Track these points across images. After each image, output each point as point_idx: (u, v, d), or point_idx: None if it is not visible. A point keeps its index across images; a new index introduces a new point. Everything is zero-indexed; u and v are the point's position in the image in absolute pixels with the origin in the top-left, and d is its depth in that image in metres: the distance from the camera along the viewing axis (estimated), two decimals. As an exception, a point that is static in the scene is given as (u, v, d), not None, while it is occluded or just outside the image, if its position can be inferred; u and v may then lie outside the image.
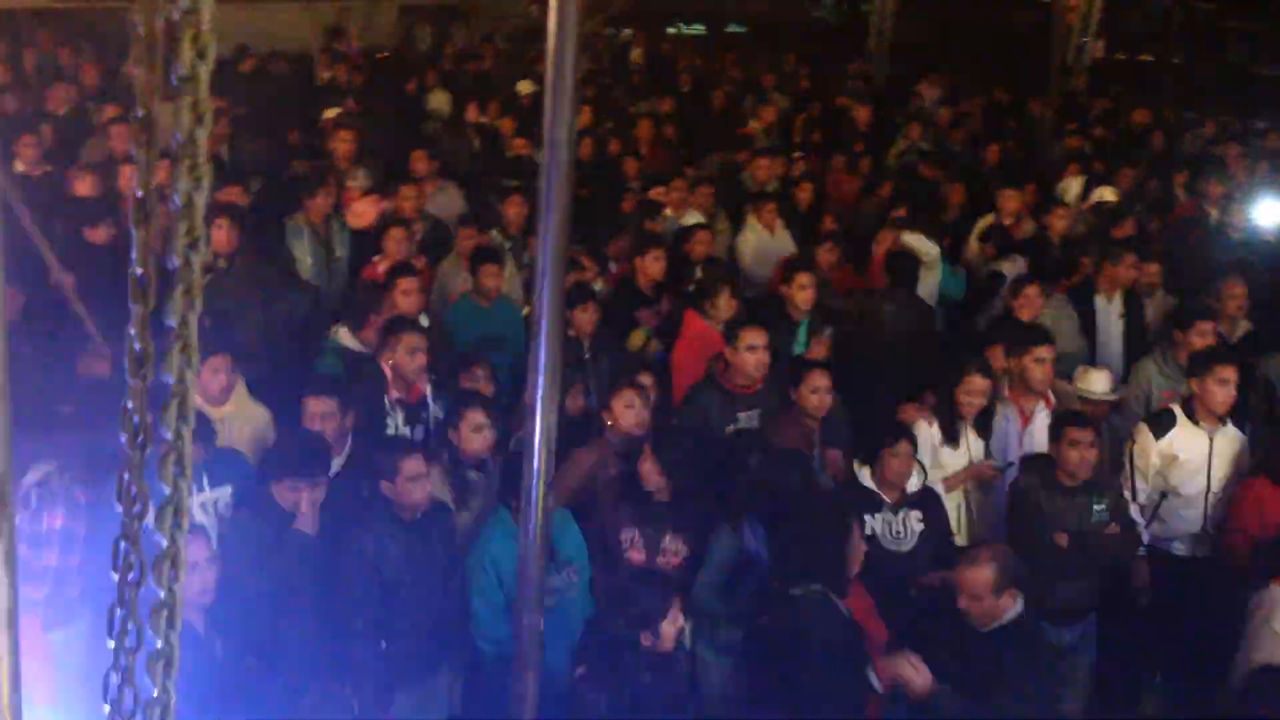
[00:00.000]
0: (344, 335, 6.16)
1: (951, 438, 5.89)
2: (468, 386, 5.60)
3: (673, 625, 4.10)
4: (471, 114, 11.10)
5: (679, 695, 4.31)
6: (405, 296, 6.38)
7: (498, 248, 7.33)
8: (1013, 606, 4.35)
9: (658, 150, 11.09)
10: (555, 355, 3.00)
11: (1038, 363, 6.02)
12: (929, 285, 8.15)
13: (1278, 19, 23.41)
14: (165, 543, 1.69)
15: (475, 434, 5.02)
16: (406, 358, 5.55)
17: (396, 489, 4.54)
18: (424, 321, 6.46)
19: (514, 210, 8.09)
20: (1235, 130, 13.43)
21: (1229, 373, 5.88)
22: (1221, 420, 5.92)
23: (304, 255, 7.71)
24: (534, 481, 3.09)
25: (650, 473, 5.01)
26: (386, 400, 5.60)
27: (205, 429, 4.74)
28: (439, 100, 12.79)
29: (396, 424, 5.57)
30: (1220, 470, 5.90)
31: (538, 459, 3.09)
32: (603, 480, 5.25)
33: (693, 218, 8.68)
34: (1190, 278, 7.99)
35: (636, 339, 7.21)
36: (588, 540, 5.03)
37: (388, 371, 5.64)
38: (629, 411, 5.47)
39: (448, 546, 4.74)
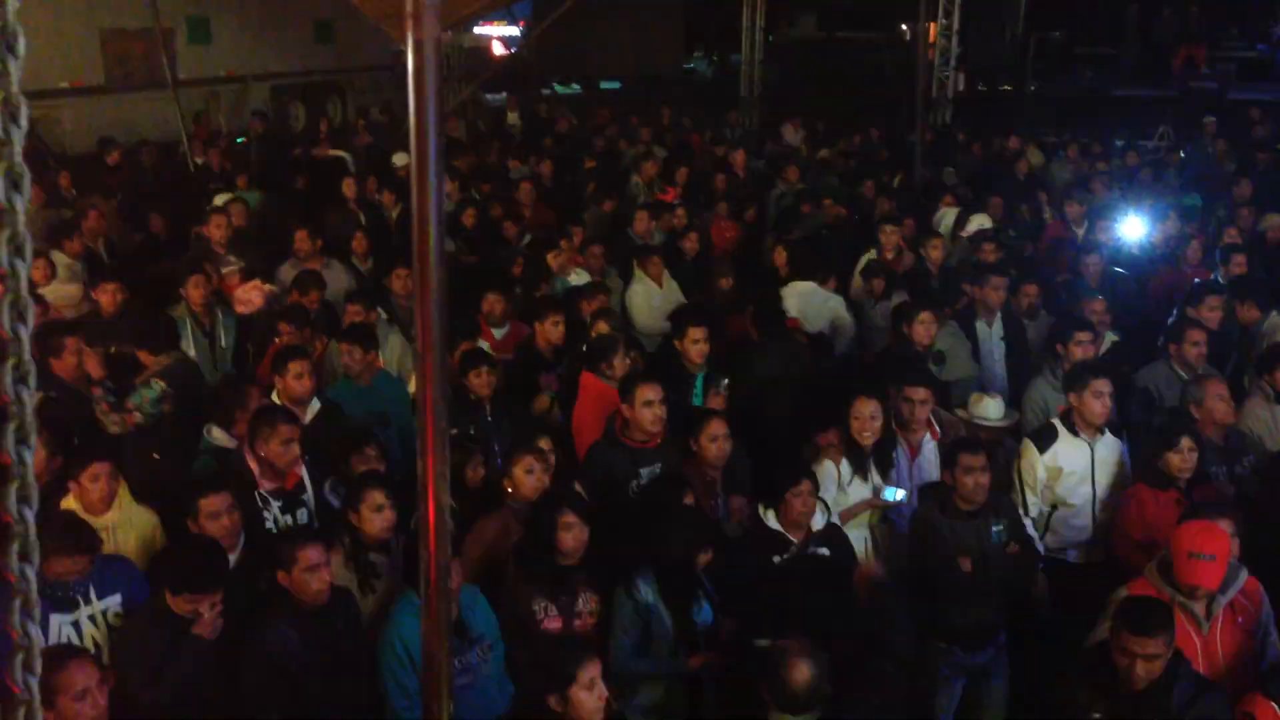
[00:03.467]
0: (216, 434, 5.99)
1: (860, 470, 5.97)
2: (361, 467, 5.50)
3: (589, 692, 4.01)
4: (348, 189, 11.01)
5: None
6: (298, 380, 6.26)
7: (368, 327, 7.21)
8: None
9: (540, 212, 11.14)
10: (441, 428, 2.95)
11: (916, 403, 6.15)
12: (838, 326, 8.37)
13: (1124, 42, 24.61)
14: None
15: (376, 514, 4.93)
16: (280, 448, 5.42)
17: (294, 580, 4.42)
18: (316, 404, 6.38)
19: (399, 284, 8.03)
20: (1095, 151, 14.00)
21: (1104, 385, 6.13)
22: (1100, 430, 6.15)
23: (188, 347, 7.55)
24: (431, 563, 3.02)
25: (568, 537, 4.95)
26: (257, 494, 5.45)
27: (90, 538, 4.57)
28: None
29: (274, 515, 5.43)
30: (1104, 478, 6.13)
31: (433, 539, 3.03)
32: (507, 549, 5.18)
33: (580, 277, 8.71)
34: (1066, 296, 8.29)
35: (541, 404, 7.19)
36: (499, 613, 4.96)
37: (253, 465, 5.49)
38: (529, 477, 5.44)
39: (353, 633, 4.63)
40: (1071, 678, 4.41)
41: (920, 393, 6.17)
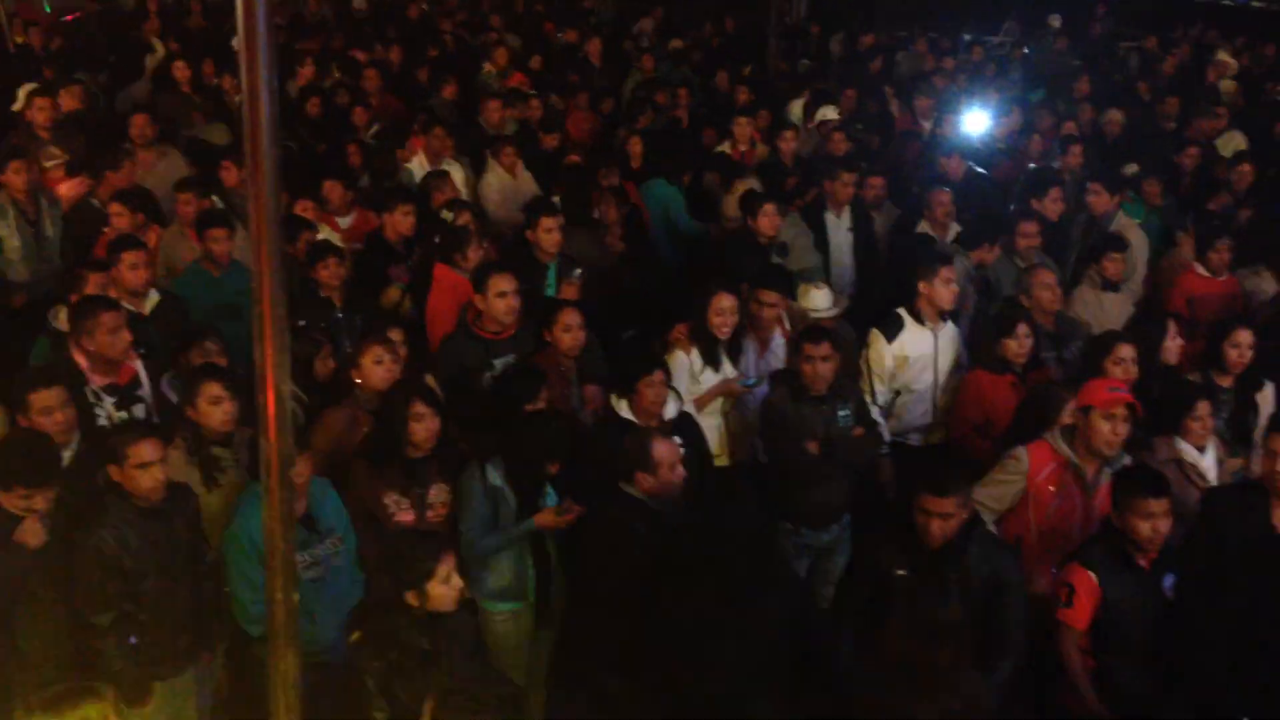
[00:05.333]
0: (62, 320, 5.72)
1: (712, 361, 6.05)
2: (199, 360, 5.30)
3: (445, 585, 4.01)
4: (180, 72, 10.40)
5: (465, 653, 4.21)
6: (133, 271, 6.00)
7: (223, 211, 6.96)
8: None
9: (389, 99, 10.78)
10: (278, 316, 2.86)
11: (766, 305, 6.24)
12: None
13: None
14: None
15: (214, 407, 4.76)
16: (107, 339, 5.19)
17: (126, 476, 4.27)
18: (155, 297, 6.14)
19: (229, 175, 7.71)
20: (944, 47, 14.20)
21: (950, 272, 6.37)
22: (943, 319, 6.36)
23: (10, 235, 7.14)
24: (272, 452, 2.95)
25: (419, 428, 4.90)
26: (88, 390, 5.22)
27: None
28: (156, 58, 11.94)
29: (107, 411, 5.23)
30: (944, 365, 6.38)
31: (273, 428, 2.95)
32: (355, 442, 5.11)
33: (426, 166, 8.51)
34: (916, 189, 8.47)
35: (391, 296, 7.04)
36: (350, 506, 4.90)
37: (81, 360, 5.25)
38: (378, 368, 5.34)
39: (194, 530, 4.52)
40: (879, 538, 4.66)
41: (771, 296, 6.27)
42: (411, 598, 3.96)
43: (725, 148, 9.51)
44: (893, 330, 6.32)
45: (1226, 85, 12.23)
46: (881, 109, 11.13)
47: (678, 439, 5.45)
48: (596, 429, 5.56)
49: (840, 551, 5.68)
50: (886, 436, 6.23)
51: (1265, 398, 5.99)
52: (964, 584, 4.43)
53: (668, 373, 5.53)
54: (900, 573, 4.47)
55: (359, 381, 5.39)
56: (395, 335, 5.79)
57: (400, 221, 7.22)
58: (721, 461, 6.13)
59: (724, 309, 6.02)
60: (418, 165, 8.70)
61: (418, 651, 3.86)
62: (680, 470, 4.77)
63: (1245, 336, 5.99)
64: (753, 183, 8.46)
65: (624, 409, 5.45)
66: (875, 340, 6.34)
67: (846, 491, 5.66)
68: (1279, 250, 7.58)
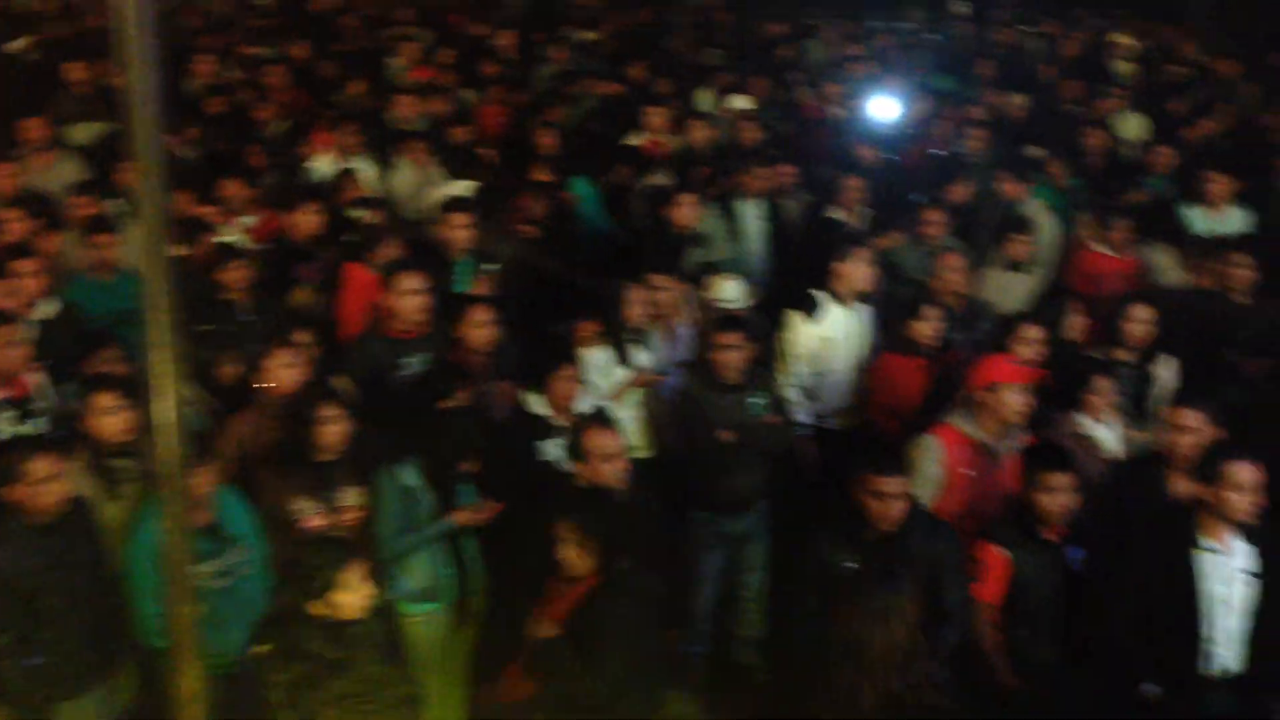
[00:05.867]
0: None
1: (624, 353, 6.07)
2: (98, 370, 5.17)
3: (352, 592, 3.93)
4: (76, 72, 10.09)
5: (376, 658, 4.14)
6: (28, 280, 5.85)
7: (109, 216, 6.76)
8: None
9: (294, 96, 10.58)
10: (166, 323, 2.79)
11: (659, 291, 6.26)
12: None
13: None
14: None
15: (108, 418, 4.64)
16: (3, 351, 5.07)
17: (25, 494, 4.14)
18: (53, 305, 5.97)
19: (130, 176, 7.50)
20: (852, 33, 14.32)
21: (866, 254, 6.50)
22: (859, 300, 6.43)
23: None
24: (166, 461, 2.88)
25: (328, 431, 4.81)
26: None
27: None
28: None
29: (5, 426, 5.08)
30: (861, 347, 6.47)
31: (166, 437, 2.88)
32: (262, 447, 5.02)
33: (334, 164, 8.38)
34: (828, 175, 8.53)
35: (300, 297, 6.92)
36: (260, 512, 4.81)
37: None
38: (285, 371, 5.26)
39: (95, 544, 4.40)
40: (820, 534, 4.67)
41: (664, 281, 6.31)
42: (318, 607, 3.89)
43: (637, 139, 9.49)
44: (813, 311, 6.38)
45: (1125, 67, 12.50)
46: (792, 97, 11.19)
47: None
48: (509, 425, 5.52)
49: (757, 539, 5.72)
50: (808, 420, 6.30)
51: (1165, 372, 6.14)
52: (912, 566, 4.46)
53: (579, 367, 5.53)
54: (851, 565, 4.49)
55: (267, 386, 5.29)
56: (303, 337, 5.69)
57: (307, 220, 7.10)
58: (641, 453, 6.13)
59: (636, 300, 6.04)
60: (325, 163, 8.55)
61: (324, 661, 3.78)
62: (619, 462, 4.76)
63: (1144, 312, 6.14)
64: (662, 177, 8.45)
65: (536, 404, 5.44)
66: (794, 322, 6.40)
67: (761, 479, 5.70)
68: (1177, 228, 7.80)
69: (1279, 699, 4.62)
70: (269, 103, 9.80)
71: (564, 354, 5.60)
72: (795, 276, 7.30)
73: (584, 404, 5.58)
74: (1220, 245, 7.14)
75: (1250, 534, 4.56)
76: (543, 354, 5.67)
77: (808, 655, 4.34)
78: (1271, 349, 6.35)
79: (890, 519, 4.49)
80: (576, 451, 4.80)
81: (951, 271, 6.70)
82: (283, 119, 9.69)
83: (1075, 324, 6.36)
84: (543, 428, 5.41)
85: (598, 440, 4.79)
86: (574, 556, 4.14)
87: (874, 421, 6.23)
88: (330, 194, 7.72)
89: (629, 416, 6.06)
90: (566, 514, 4.22)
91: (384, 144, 8.95)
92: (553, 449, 5.36)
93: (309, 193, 7.51)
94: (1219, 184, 7.93)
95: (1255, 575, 4.53)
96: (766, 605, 5.84)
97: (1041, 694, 4.62)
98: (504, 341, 5.98)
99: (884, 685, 3.84)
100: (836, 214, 7.86)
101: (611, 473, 4.74)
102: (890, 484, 4.49)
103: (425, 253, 6.90)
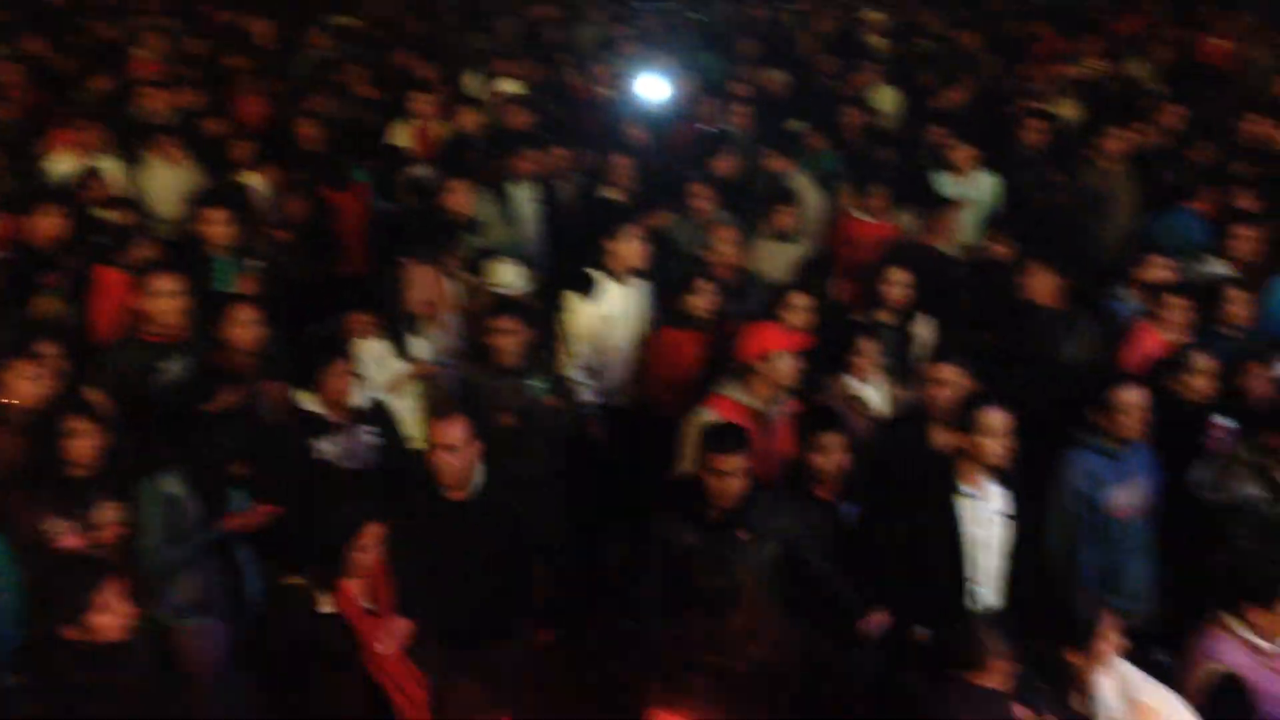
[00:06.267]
0: None
1: (398, 344, 5.95)
2: None
3: (108, 613, 3.71)
4: None
5: (141, 680, 3.92)
6: None
7: None
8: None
9: (33, 94, 9.87)
10: None
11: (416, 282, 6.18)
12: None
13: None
14: None
15: None
16: None
17: None
18: None
19: None
20: (618, 14, 14.43)
21: (638, 231, 6.60)
22: (635, 277, 6.52)
23: None
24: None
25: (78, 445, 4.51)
26: None
27: None
28: None
29: None
30: (639, 322, 6.54)
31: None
32: (7, 467, 4.68)
33: (75, 163, 7.89)
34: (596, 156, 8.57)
35: (44, 305, 6.47)
36: (9, 536, 4.47)
37: None
38: (27, 384, 4.91)
39: None
40: (663, 512, 4.71)
41: (438, 269, 6.24)
42: (72, 632, 3.65)
43: (405, 126, 9.29)
44: (590, 290, 6.40)
45: (878, 42, 13.04)
46: (561, 79, 11.19)
47: (368, 428, 5.37)
48: (281, 425, 5.33)
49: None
50: (594, 399, 6.32)
51: (923, 331, 6.45)
52: (757, 540, 4.56)
53: (350, 361, 5.39)
54: (691, 541, 4.52)
55: (8, 401, 4.93)
56: (47, 348, 5.32)
57: (46, 224, 6.62)
58: (421, 444, 6.02)
59: (414, 289, 5.93)
60: (65, 162, 8.02)
61: (83, 689, 3.55)
62: (464, 455, 4.69)
63: (901, 275, 6.43)
64: (420, 169, 8.29)
65: (308, 402, 5.28)
66: (572, 302, 6.41)
67: (545, 461, 5.70)
68: (928, 192, 8.19)
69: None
70: (2, 101, 9.11)
71: (335, 349, 5.44)
72: (571, 257, 7.33)
73: (360, 398, 5.45)
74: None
75: (1004, 478, 4.85)
76: (312, 351, 5.49)
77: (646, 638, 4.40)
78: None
79: (730, 496, 4.56)
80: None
81: (724, 244, 6.84)
82: (17, 117, 9.03)
83: (839, 288, 6.60)
84: (317, 425, 5.25)
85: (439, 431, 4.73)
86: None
87: (654, 396, 6.31)
88: (73, 194, 7.26)
89: (408, 408, 5.95)
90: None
91: (130, 140, 8.46)
92: (328, 446, 5.22)
93: (46, 194, 7.03)
94: (963, 151, 8.37)
95: (1010, 517, 4.82)
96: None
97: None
98: (272, 341, 5.76)
99: (738, 657, 3.90)
100: (609, 193, 7.92)
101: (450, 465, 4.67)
102: (729, 462, 4.54)
103: (181, 252, 6.58)
